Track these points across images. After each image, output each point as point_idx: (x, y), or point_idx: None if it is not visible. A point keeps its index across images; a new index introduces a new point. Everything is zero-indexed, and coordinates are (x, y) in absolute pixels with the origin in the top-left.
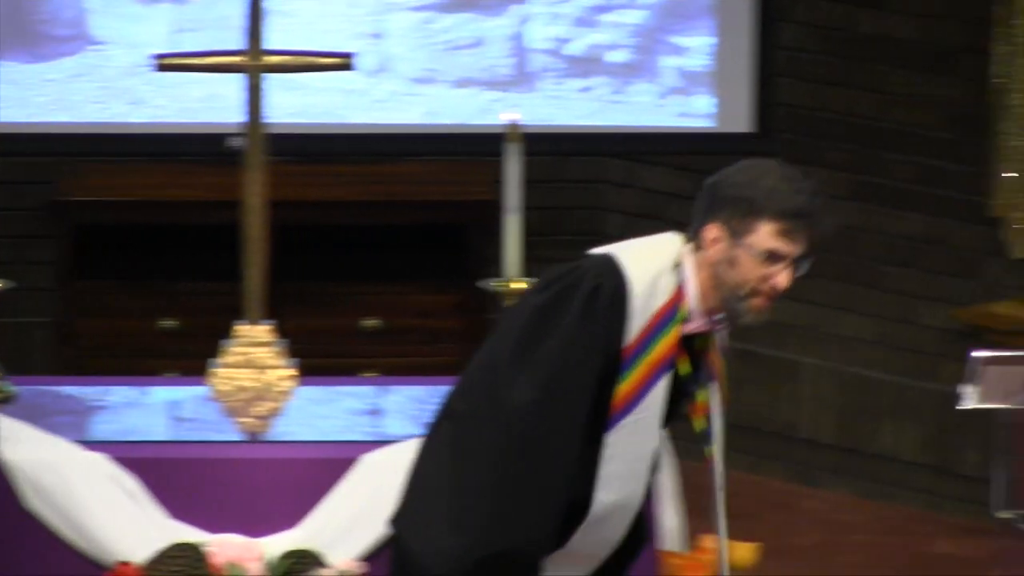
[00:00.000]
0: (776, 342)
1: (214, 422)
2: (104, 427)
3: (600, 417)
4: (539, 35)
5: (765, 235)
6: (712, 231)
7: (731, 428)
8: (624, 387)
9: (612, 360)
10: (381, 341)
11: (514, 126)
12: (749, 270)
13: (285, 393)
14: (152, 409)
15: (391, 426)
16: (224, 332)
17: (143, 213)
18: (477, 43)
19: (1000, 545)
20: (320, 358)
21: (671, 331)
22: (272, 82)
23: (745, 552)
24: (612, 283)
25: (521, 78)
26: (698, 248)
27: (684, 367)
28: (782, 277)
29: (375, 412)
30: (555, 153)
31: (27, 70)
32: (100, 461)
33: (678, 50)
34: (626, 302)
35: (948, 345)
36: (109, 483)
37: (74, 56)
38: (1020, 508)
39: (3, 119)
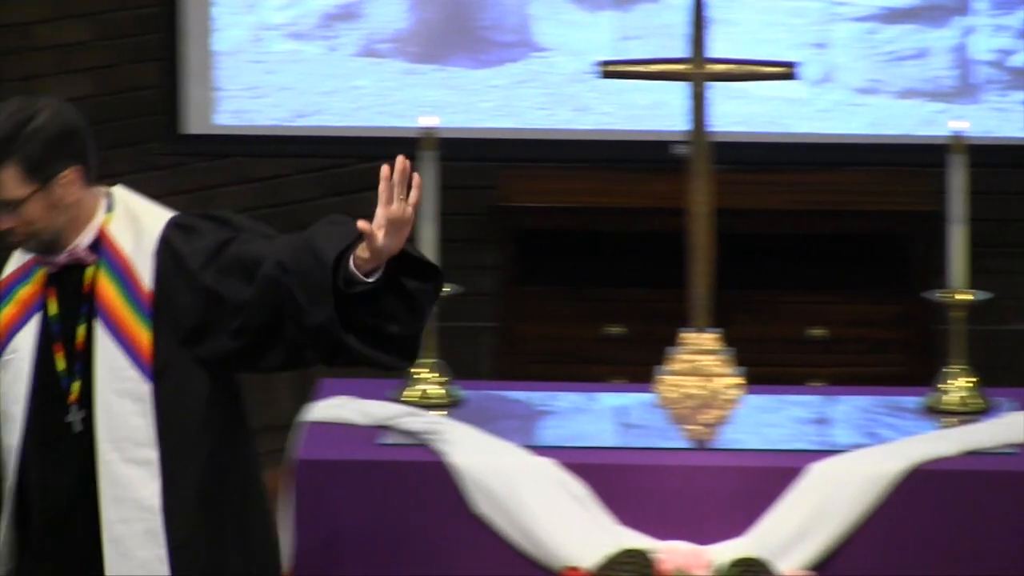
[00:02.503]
0: None
1: (661, 429)
2: (552, 432)
3: None
4: (983, 47)
5: None
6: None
7: None
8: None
9: None
10: (825, 350)
11: (958, 137)
12: None
13: (732, 401)
14: (599, 415)
15: (839, 436)
16: (670, 340)
17: (585, 219)
18: (920, 54)
19: None
20: (766, 367)
21: (40, 271)
22: (716, 90)
23: None
24: None
25: (964, 90)
26: None
27: (52, 308)
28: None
29: (822, 421)
30: (998, 165)
31: (472, 76)
32: (548, 466)
33: None
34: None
35: None
36: (557, 488)
37: (518, 62)
38: None
39: (448, 124)
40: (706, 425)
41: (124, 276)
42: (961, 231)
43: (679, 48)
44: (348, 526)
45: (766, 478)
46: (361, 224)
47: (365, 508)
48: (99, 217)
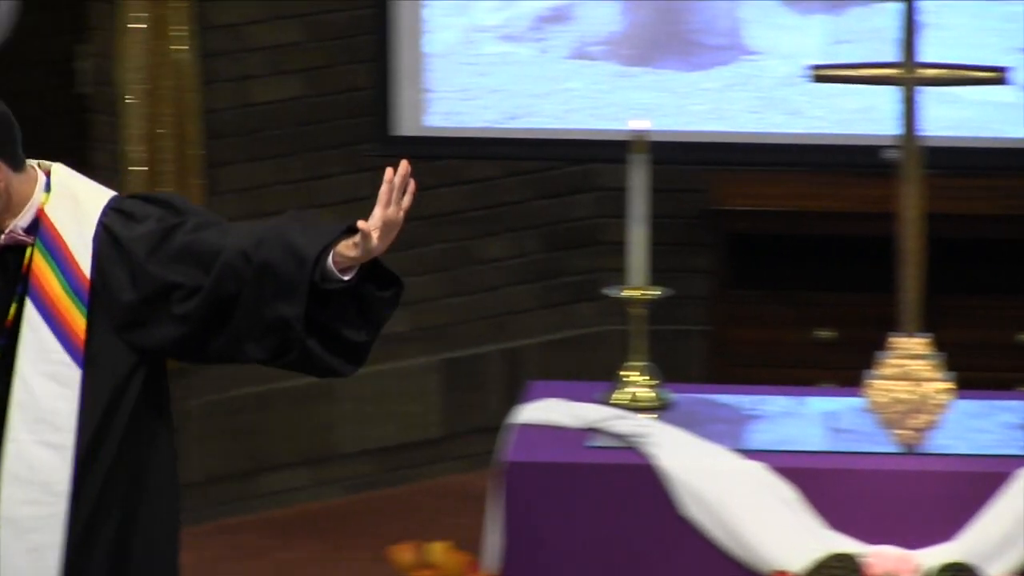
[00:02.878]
0: None
1: (870, 433)
2: (760, 436)
3: None
4: None
5: None
6: None
7: None
8: None
9: None
10: None
11: None
12: None
13: (941, 406)
14: (809, 419)
15: None
16: (880, 344)
17: (796, 223)
18: None
19: None
20: (975, 371)
21: None
22: (926, 95)
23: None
24: None
25: None
26: None
27: None
28: None
29: None
30: None
31: (683, 79)
32: (757, 470)
33: None
34: None
35: None
36: (766, 492)
37: (729, 66)
38: None
39: (658, 127)
40: (915, 430)
41: (61, 260)
42: None
43: (890, 52)
44: (556, 528)
45: (975, 483)
46: (361, 224)
47: (573, 510)
48: (37, 197)
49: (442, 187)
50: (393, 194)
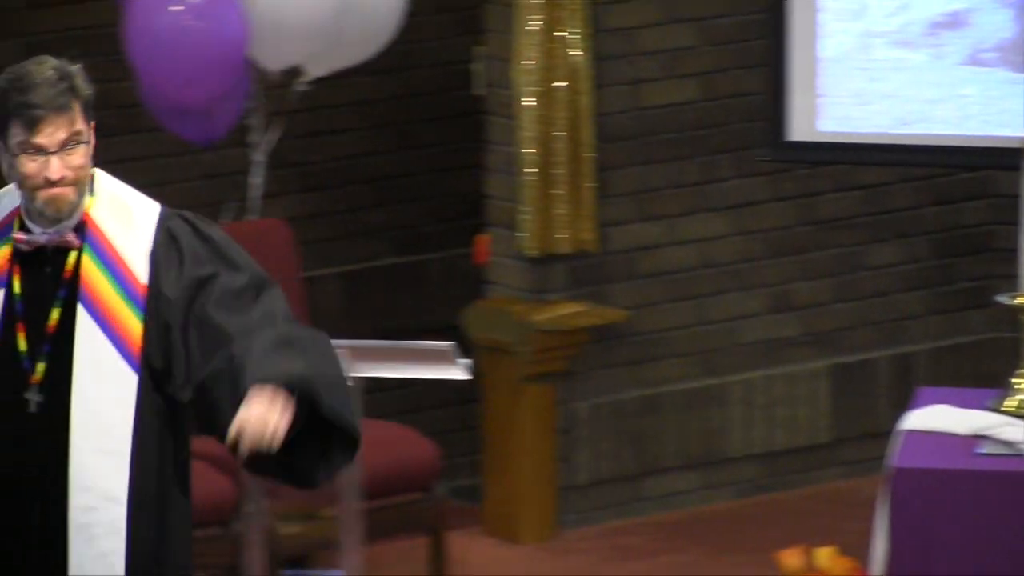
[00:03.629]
0: None
1: None
2: None
3: None
4: None
5: (17, 135)
6: None
7: None
8: None
9: None
10: None
11: None
12: (25, 168)
13: None
14: None
15: None
16: None
17: None
18: None
19: None
20: None
21: (3, 247)
22: None
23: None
24: None
25: None
26: None
27: (17, 286)
28: (51, 167)
29: None
30: None
31: None
32: None
33: None
34: None
35: None
36: None
37: None
38: None
39: None
40: None
41: (115, 266)
42: None
43: None
44: (943, 535)
45: None
46: (230, 437)
47: (962, 517)
48: (84, 199)
49: (834, 192)
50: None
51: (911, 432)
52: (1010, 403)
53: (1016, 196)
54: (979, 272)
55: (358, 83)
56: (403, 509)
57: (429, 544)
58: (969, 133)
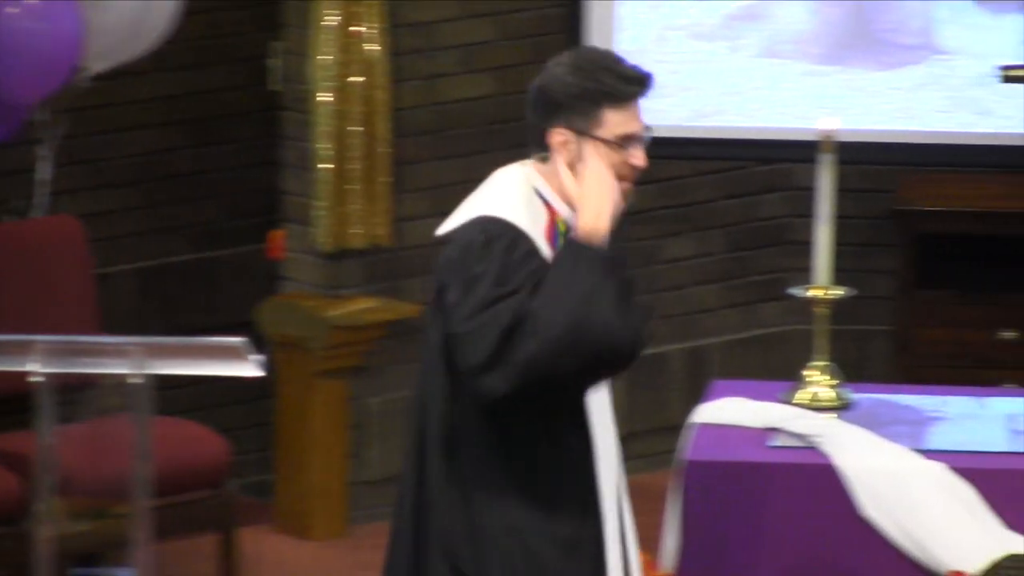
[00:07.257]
0: None
1: None
2: (940, 437)
3: None
4: None
5: (612, 123)
6: (557, 136)
7: None
8: None
9: None
10: None
11: None
12: (607, 159)
13: None
14: (990, 420)
15: None
16: None
17: (983, 224)
18: None
19: None
20: None
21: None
22: None
23: None
24: (508, 235)
25: None
26: (543, 160)
27: None
28: (638, 156)
29: None
30: None
31: (872, 78)
32: (937, 470)
33: None
34: (530, 242)
35: None
36: (945, 492)
37: (919, 65)
38: None
39: (848, 126)
40: None
41: None
42: None
43: None
44: (735, 527)
45: None
46: None
47: (752, 509)
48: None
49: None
50: None
51: (703, 425)
52: (802, 395)
53: (811, 189)
54: (774, 265)
55: (155, 79)
56: (194, 506)
57: (220, 541)
58: (766, 126)
